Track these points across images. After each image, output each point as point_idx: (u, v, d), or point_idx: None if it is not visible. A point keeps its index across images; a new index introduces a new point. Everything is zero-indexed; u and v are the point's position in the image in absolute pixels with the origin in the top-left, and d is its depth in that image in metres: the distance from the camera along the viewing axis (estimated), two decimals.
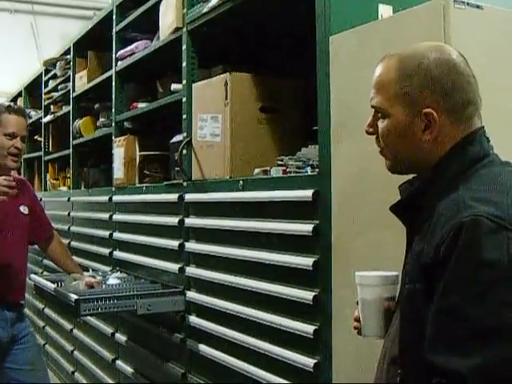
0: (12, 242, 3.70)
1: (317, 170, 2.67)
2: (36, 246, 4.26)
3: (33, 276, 4.56)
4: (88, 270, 4.41)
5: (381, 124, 1.66)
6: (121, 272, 4.46)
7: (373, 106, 1.68)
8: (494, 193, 1.47)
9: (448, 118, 1.57)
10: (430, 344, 1.43)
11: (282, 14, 3.31)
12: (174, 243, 3.70)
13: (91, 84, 5.36)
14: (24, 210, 3.85)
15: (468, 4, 2.16)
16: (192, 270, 3.55)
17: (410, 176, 1.72)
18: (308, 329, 2.60)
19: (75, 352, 5.59)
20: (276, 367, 2.82)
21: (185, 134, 3.64)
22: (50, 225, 4.23)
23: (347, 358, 2.43)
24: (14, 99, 8.36)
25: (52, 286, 3.97)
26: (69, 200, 5.83)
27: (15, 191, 3.47)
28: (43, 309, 6.52)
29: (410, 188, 1.68)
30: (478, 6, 2.19)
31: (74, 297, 3.48)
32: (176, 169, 3.79)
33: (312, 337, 2.58)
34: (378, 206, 2.21)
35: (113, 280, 4.16)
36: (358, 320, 1.89)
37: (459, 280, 1.39)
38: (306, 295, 2.61)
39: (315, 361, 2.57)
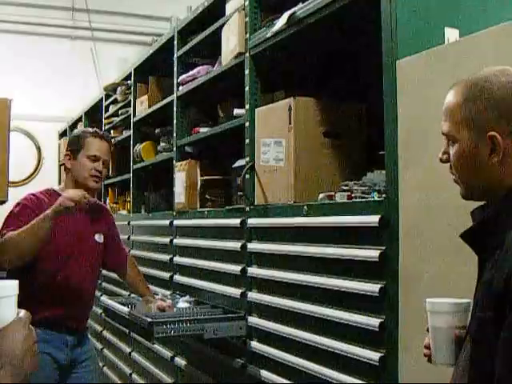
0: (81, 270, 3.71)
1: (383, 195, 2.64)
2: None
3: (103, 299, 4.61)
4: (157, 294, 4.42)
5: (451, 150, 1.65)
6: (180, 296, 4.46)
7: (443, 133, 1.68)
8: None
9: None
10: (499, 375, 1.40)
11: (345, 38, 3.31)
12: (236, 268, 3.69)
13: (152, 109, 5.42)
14: (99, 238, 3.87)
15: None
16: (254, 295, 3.54)
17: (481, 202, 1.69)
18: (374, 356, 2.56)
19: (133, 375, 5.59)
20: None
21: (247, 159, 3.64)
22: (125, 251, 4.27)
23: None
24: (75, 124, 8.49)
25: (125, 309, 4.00)
26: (129, 224, 5.88)
27: (84, 206, 3.49)
28: (101, 331, 6.56)
29: (482, 214, 1.66)
30: None
31: (147, 319, 3.51)
32: (239, 193, 3.79)
33: (378, 364, 2.54)
34: (447, 232, 2.18)
35: (182, 304, 4.18)
36: (428, 347, 1.85)
37: None
38: (373, 322, 2.57)
39: None
